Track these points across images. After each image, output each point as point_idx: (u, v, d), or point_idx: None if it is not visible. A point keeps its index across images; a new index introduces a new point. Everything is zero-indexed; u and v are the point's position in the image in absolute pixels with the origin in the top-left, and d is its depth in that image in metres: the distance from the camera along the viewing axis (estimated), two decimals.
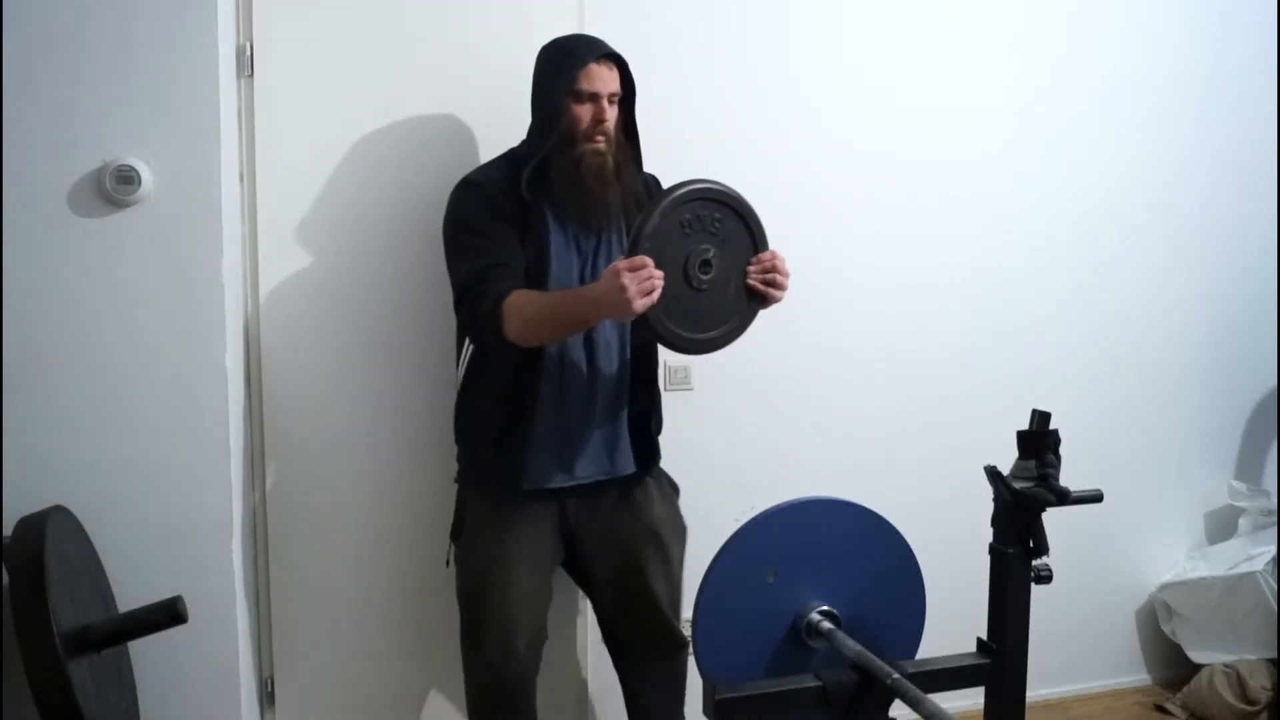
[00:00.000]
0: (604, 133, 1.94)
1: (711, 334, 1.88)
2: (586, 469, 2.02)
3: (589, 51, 1.95)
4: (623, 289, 1.69)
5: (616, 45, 2.00)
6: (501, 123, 2.24)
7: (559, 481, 2.00)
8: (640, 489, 2.10)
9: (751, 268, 1.87)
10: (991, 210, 2.68)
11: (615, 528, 2.07)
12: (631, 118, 2.04)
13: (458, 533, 2.10)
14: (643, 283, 1.69)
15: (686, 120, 2.10)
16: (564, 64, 1.95)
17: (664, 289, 1.73)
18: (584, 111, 1.94)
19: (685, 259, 1.81)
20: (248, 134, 2.12)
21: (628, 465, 2.06)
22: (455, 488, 2.13)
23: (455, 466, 2.14)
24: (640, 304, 1.70)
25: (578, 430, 1.99)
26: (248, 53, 2.10)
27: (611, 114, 1.96)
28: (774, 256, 1.88)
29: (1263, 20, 2.86)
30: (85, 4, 1.82)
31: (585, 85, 1.93)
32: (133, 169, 1.85)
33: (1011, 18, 2.65)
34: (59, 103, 1.82)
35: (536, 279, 1.95)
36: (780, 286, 1.89)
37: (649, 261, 1.71)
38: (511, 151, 2.06)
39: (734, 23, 2.44)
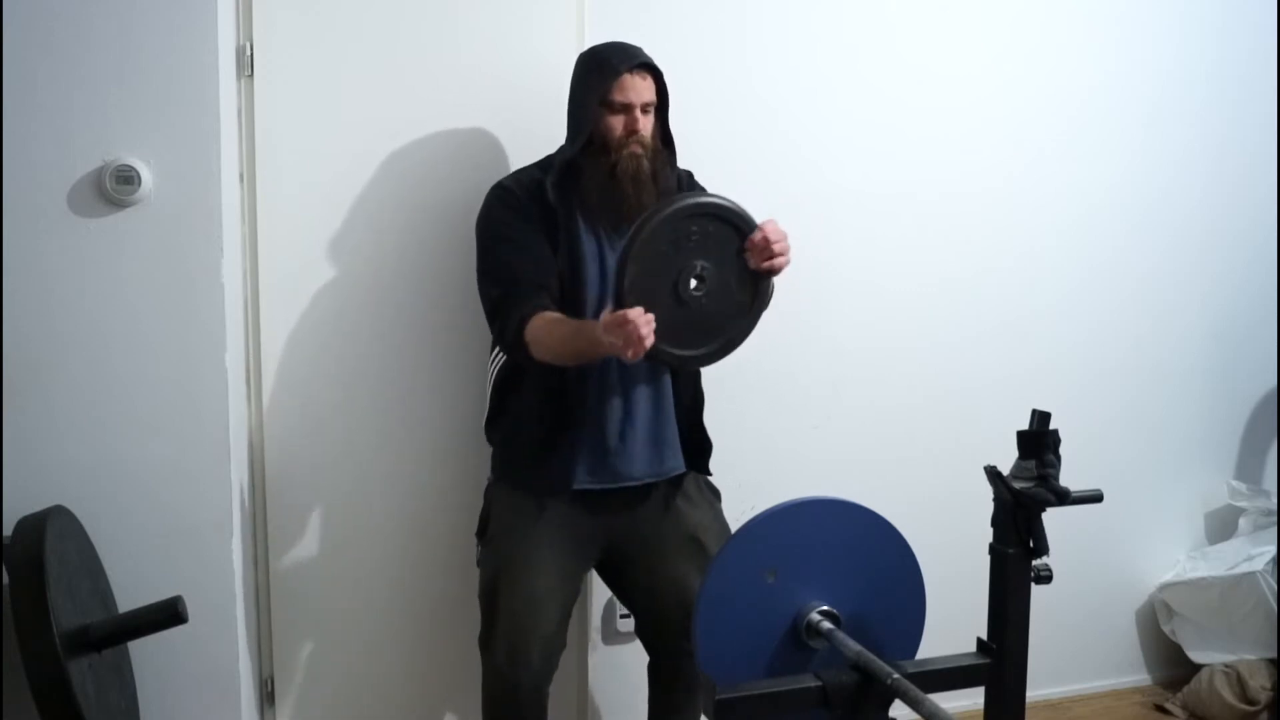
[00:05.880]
0: (639, 142, 1.93)
1: (729, 336, 1.87)
2: (635, 470, 1.99)
3: (623, 61, 1.93)
4: (612, 345, 1.69)
5: None
6: (502, 120, 2.25)
7: (604, 484, 1.98)
8: (682, 495, 2.07)
9: (748, 256, 1.83)
10: (992, 210, 2.68)
11: (656, 534, 2.04)
12: (666, 125, 2.02)
13: (483, 531, 2.08)
14: (629, 336, 1.66)
15: (686, 120, 2.10)
16: (598, 74, 1.93)
17: (661, 323, 1.70)
18: (617, 122, 1.93)
19: (674, 285, 1.78)
20: (248, 134, 2.12)
21: (677, 464, 2.04)
22: (459, 487, 2.12)
23: (460, 466, 2.13)
24: (631, 355, 1.67)
25: (624, 431, 1.98)
26: (248, 53, 2.10)
27: (645, 123, 1.94)
28: (763, 233, 1.81)
29: (1263, 20, 2.86)
30: (85, 4, 1.82)
31: (618, 96, 1.92)
32: (133, 169, 1.85)
33: (1012, 17, 2.65)
34: (59, 103, 1.82)
35: (571, 287, 1.94)
36: (782, 254, 1.83)
37: (629, 315, 1.65)
38: (547, 158, 2.05)
39: (734, 22, 2.43)
